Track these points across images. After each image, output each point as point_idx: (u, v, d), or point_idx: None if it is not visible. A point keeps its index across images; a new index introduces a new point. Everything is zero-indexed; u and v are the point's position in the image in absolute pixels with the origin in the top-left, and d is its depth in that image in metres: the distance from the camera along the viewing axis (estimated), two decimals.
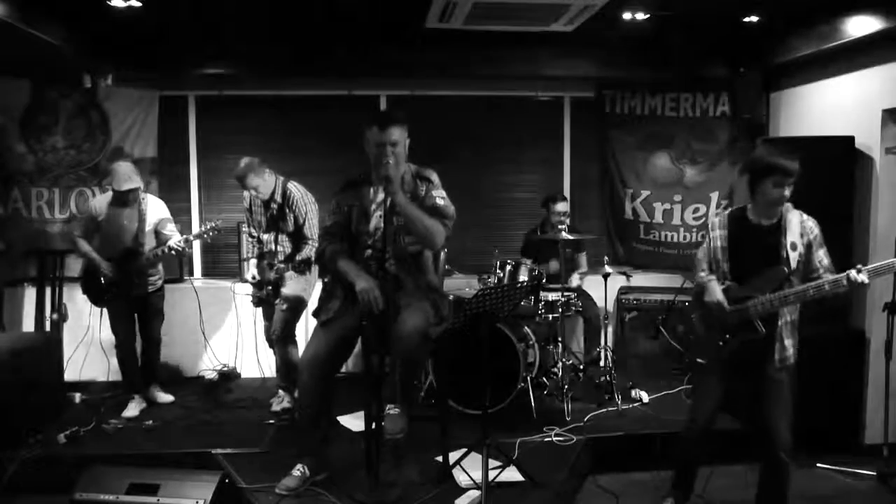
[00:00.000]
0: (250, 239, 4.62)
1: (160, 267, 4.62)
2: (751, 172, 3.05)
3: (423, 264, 3.26)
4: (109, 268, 4.37)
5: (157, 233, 4.51)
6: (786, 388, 3.05)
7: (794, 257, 2.95)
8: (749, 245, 3.07)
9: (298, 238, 4.38)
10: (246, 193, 4.56)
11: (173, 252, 4.36)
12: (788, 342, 3.06)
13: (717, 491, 3.64)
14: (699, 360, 3.22)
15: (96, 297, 4.53)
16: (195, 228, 5.38)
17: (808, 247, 2.98)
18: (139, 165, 5.18)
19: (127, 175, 4.33)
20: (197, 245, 5.59)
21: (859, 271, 2.79)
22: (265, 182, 4.35)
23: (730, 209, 3.27)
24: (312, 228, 4.36)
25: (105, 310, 4.61)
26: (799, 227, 2.99)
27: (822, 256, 2.99)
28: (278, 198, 4.38)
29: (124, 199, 4.40)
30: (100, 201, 4.54)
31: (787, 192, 2.94)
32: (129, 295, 4.45)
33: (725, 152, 5.56)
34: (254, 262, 4.57)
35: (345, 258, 3.21)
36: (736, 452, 3.74)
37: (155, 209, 4.55)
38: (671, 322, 5.04)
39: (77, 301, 5.26)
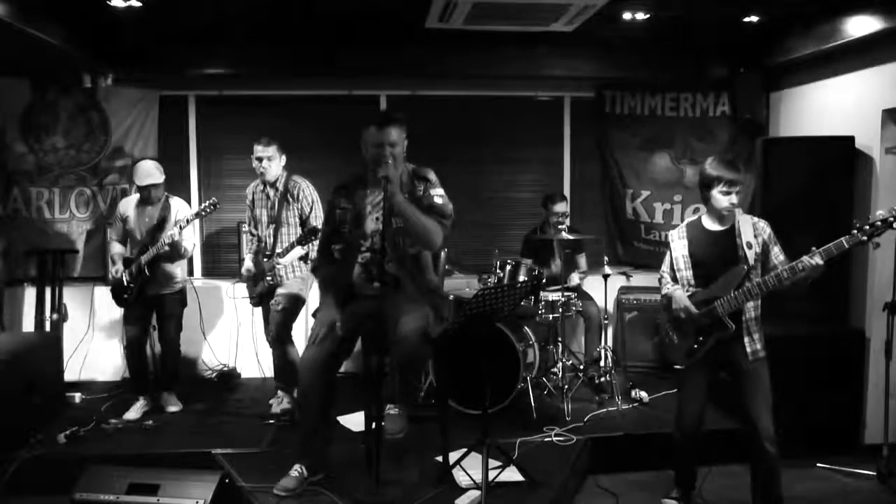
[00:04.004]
0: (250, 237, 4.60)
1: (177, 270, 4.56)
2: (700, 185, 3.25)
3: (422, 265, 3.25)
4: (119, 272, 4.38)
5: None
6: (763, 381, 3.19)
7: (750, 255, 3.13)
8: (708, 250, 3.25)
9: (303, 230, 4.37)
10: (249, 189, 4.56)
11: (167, 246, 4.25)
12: (756, 336, 3.20)
13: (716, 491, 3.65)
14: (677, 365, 3.37)
15: (118, 298, 4.50)
16: (195, 226, 5.35)
17: (764, 246, 3.16)
18: None
19: (148, 171, 4.41)
20: (198, 245, 5.57)
21: (812, 255, 2.91)
22: (279, 163, 4.38)
23: (687, 220, 3.45)
24: (318, 220, 4.32)
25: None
26: (752, 228, 3.18)
27: (777, 252, 3.17)
28: (280, 186, 4.39)
29: (148, 198, 4.45)
30: (126, 202, 4.59)
31: (736, 199, 3.16)
32: (143, 293, 4.42)
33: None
34: (250, 255, 4.54)
35: (330, 280, 3.34)
36: (734, 452, 3.74)
37: (177, 210, 4.52)
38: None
39: (77, 301, 5.27)
